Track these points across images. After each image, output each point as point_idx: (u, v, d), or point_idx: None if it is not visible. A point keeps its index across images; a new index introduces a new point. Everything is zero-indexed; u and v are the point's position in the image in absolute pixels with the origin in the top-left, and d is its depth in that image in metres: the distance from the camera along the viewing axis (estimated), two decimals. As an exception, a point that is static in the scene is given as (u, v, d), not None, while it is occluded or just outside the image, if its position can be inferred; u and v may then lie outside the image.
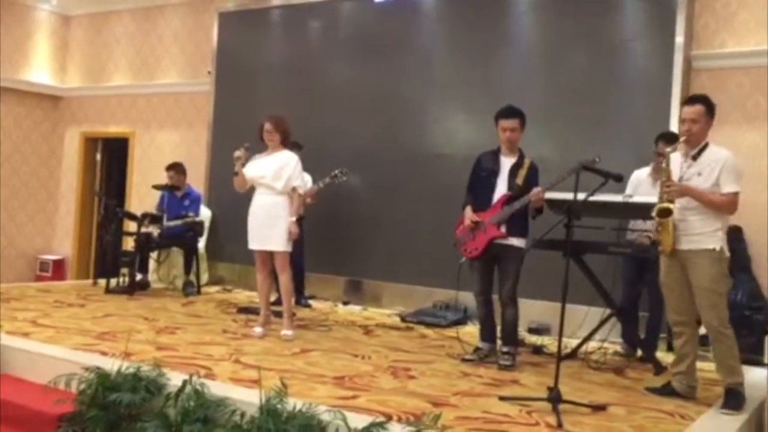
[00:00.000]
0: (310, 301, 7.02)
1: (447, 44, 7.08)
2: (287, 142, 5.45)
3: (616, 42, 6.21)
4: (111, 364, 3.82)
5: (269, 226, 5.28)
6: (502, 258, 4.78)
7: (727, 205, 3.97)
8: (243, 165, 5.38)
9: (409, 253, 6.98)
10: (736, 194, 3.96)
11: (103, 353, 4.30)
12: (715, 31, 5.96)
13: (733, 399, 3.93)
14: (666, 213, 3.96)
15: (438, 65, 7.07)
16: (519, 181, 4.76)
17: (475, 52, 6.84)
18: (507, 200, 4.74)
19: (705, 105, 4.06)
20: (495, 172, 4.84)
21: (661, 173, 4.07)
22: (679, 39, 5.89)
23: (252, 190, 5.46)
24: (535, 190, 4.63)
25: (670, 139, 4.94)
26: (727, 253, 4.00)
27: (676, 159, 4.11)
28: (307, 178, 6.52)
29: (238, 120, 8.08)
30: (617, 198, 4.79)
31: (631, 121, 5.72)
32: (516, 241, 4.74)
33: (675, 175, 4.04)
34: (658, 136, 5.16)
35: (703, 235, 3.97)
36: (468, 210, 4.87)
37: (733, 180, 3.95)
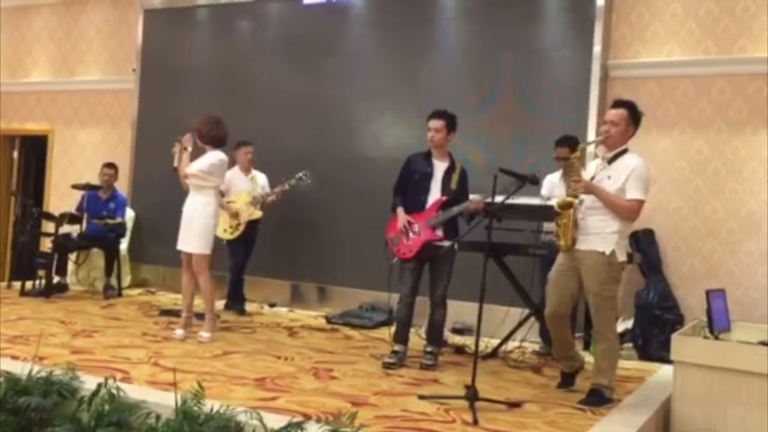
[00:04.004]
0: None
1: (375, 47, 7.14)
2: (208, 141, 5.31)
3: (537, 50, 6.39)
4: (21, 369, 3.71)
5: (186, 227, 5.23)
6: (436, 259, 4.80)
7: (629, 210, 4.02)
8: (181, 159, 5.26)
9: (336, 255, 6.99)
10: (640, 202, 4.01)
11: (14, 357, 4.15)
12: (630, 41, 6.20)
13: (593, 397, 4.05)
14: (568, 206, 4.06)
15: (366, 68, 7.12)
16: (453, 186, 4.85)
17: (403, 56, 6.92)
18: (442, 205, 4.82)
19: (629, 110, 4.12)
20: (428, 175, 4.89)
21: (571, 175, 4.18)
22: (597, 48, 6.11)
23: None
24: (476, 198, 4.73)
25: (573, 143, 5.15)
26: (620, 259, 4.05)
27: (595, 161, 4.25)
28: (263, 177, 6.71)
29: (164, 119, 7.93)
30: (535, 200, 4.94)
31: (551, 127, 5.88)
32: (449, 243, 4.80)
33: (588, 176, 4.16)
34: (558, 140, 5.36)
35: (597, 236, 4.04)
36: (401, 212, 4.90)
37: (638, 188, 4.00)
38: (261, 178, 6.82)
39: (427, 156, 4.97)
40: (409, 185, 4.96)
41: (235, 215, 6.50)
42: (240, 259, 6.64)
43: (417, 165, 4.97)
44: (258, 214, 6.63)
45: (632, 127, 4.14)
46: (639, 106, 4.22)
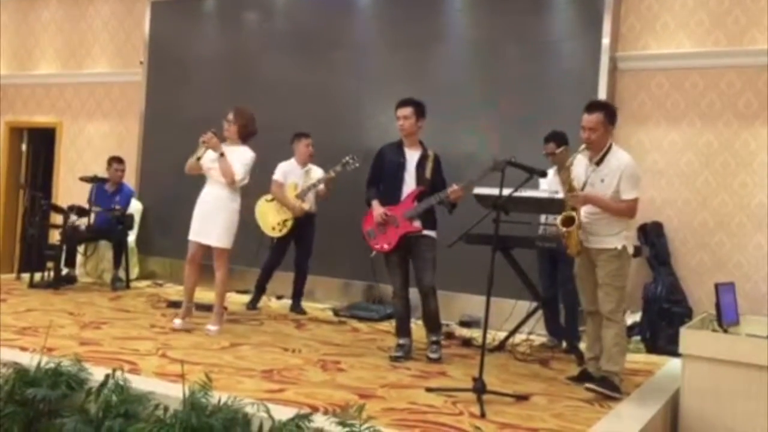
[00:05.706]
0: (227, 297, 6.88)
1: (382, 39, 7.12)
2: (245, 136, 5.32)
3: (545, 42, 6.36)
4: (30, 360, 3.72)
5: (209, 220, 5.20)
6: (417, 248, 4.77)
7: (628, 211, 4.16)
8: (205, 151, 5.23)
9: (343, 247, 6.97)
10: (635, 200, 4.15)
11: (23, 349, 4.17)
12: (639, 33, 6.16)
13: (602, 384, 4.06)
14: (569, 222, 4.12)
15: (373, 60, 7.10)
16: (428, 174, 4.81)
17: (411, 48, 6.89)
18: (418, 195, 4.77)
19: (603, 112, 4.16)
20: (402, 166, 4.83)
21: (564, 172, 4.21)
22: (606, 40, 6.07)
23: (201, 179, 5.34)
24: (454, 187, 4.69)
25: (562, 140, 5.13)
26: (630, 251, 4.20)
27: (582, 161, 4.25)
28: (319, 171, 6.46)
29: (171, 111, 7.96)
30: (544, 194, 4.91)
31: (559, 119, 5.83)
32: (428, 232, 4.78)
33: (581, 180, 4.19)
34: (546, 137, 5.33)
35: (607, 236, 4.16)
36: (376, 204, 4.83)
37: (631, 187, 4.12)
38: (317, 172, 6.51)
39: (399, 146, 4.90)
40: (383, 177, 4.90)
41: (281, 210, 6.38)
42: (278, 256, 6.47)
43: (389, 156, 4.90)
44: (308, 208, 6.41)
45: (610, 126, 4.21)
46: (612, 103, 4.29)
